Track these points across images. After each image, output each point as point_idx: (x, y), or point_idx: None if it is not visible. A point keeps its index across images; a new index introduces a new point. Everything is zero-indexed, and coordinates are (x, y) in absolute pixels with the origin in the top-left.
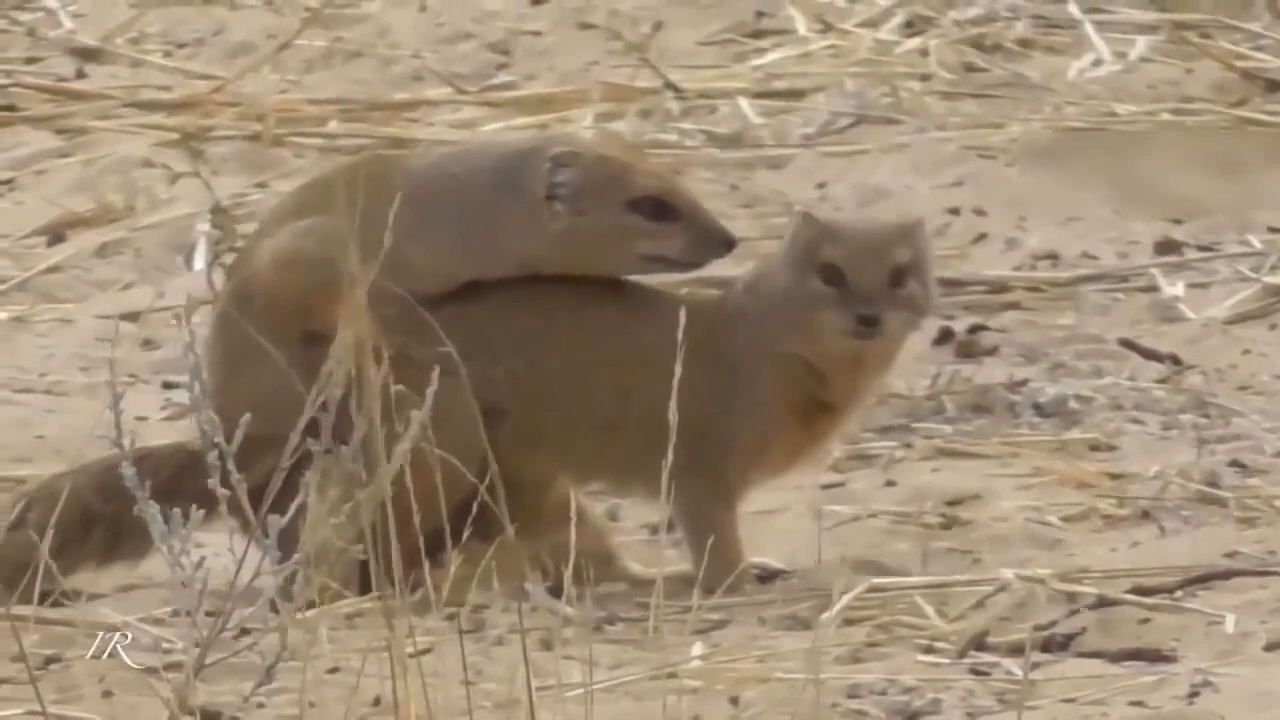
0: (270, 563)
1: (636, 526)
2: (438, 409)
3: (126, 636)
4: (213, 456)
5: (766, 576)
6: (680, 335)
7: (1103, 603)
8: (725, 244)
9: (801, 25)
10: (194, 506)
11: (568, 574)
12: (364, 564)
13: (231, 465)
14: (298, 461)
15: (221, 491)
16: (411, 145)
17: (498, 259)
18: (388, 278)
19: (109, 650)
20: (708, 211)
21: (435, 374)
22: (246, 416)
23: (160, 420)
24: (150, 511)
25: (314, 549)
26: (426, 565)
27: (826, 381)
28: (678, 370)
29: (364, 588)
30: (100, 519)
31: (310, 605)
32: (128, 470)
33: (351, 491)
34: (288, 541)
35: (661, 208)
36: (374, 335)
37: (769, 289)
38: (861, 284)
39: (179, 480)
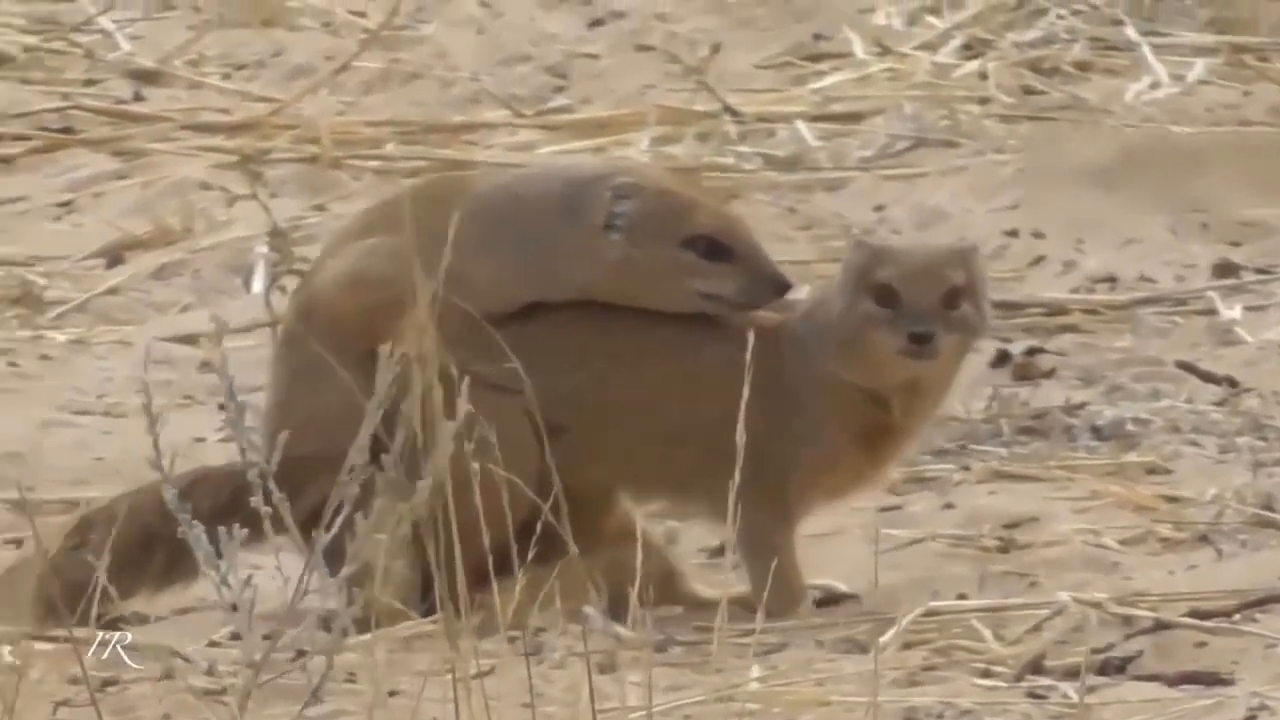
0: (320, 582)
1: (694, 549)
2: (499, 427)
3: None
4: (254, 475)
5: (830, 599)
6: (742, 359)
7: (1160, 626)
8: (779, 288)
9: (859, 48)
10: (238, 526)
11: (632, 596)
12: (425, 585)
13: (274, 484)
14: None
15: (265, 510)
16: (469, 167)
17: (556, 283)
18: (451, 296)
19: (166, 673)
20: (764, 254)
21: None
22: (284, 435)
23: (217, 441)
24: (194, 534)
25: (361, 566)
26: (490, 588)
27: (885, 406)
28: (745, 393)
29: (426, 609)
30: (159, 540)
31: (368, 626)
32: (170, 493)
33: (398, 505)
34: (341, 560)
35: (717, 248)
36: (439, 352)
37: (826, 314)
38: (915, 304)
39: (238, 500)
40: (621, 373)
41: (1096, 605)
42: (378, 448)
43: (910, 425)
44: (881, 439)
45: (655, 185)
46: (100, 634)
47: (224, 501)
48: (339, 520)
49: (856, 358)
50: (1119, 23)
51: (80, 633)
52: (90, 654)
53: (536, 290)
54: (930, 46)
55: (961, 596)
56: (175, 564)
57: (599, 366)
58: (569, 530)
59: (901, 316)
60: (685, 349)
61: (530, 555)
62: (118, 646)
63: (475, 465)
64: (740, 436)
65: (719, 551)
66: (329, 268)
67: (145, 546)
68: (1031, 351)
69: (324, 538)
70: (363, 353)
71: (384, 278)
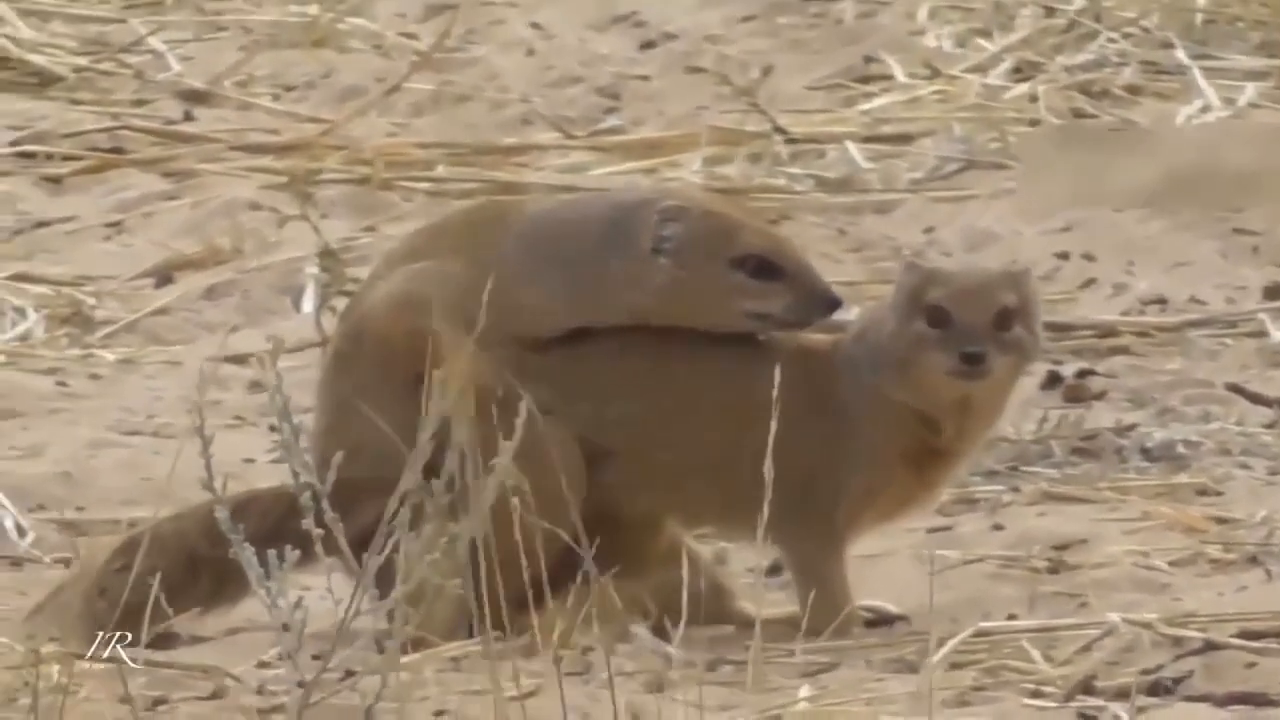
0: (370, 603)
1: (743, 570)
2: (540, 450)
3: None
4: (306, 497)
5: (880, 620)
6: (791, 383)
7: (1209, 646)
8: (829, 304)
9: (907, 71)
10: (289, 548)
11: (682, 617)
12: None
13: (326, 505)
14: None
15: (316, 532)
16: (520, 189)
17: (605, 308)
18: (498, 322)
19: (216, 693)
20: (813, 270)
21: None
22: (338, 457)
23: (267, 462)
24: (245, 555)
25: (411, 587)
26: (534, 610)
27: (936, 427)
28: (773, 423)
29: (470, 632)
30: (207, 562)
31: (415, 647)
32: (222, 514)
33: (447, 528)
34: (392, 582)
35: (766, 266)
36: (486, 376)
37: (877, 336)
38: (966, 324)
39: (286, 522)
40: (672, 399)
41: (1146, 626)
42: (427, 471)
43: (961, 447)
44: (932, 461)
45: (701, 207)
46: (148, 653)
47: (271, 524)
48: (390, 542)
49: (908, 378)
50: (1169, 46)
51: (129, 653)
52: (139, 674)
53: (584, 315)
54: (980, 69)
55: (1011, 617)
56: (220, 586)
57: (648, 392)
58: (590, 555)
59: (953, 337)
60: (736, 374)
61: (577, 578)
62: (167, 666)
63: (519, 494)
64: (768, 470)
65: (769, 571)
66: (376, 291)
67: (191, 569)
68: (1082, 373)
69: (376, 560)
70: (411, 376)
71: (431, 301)
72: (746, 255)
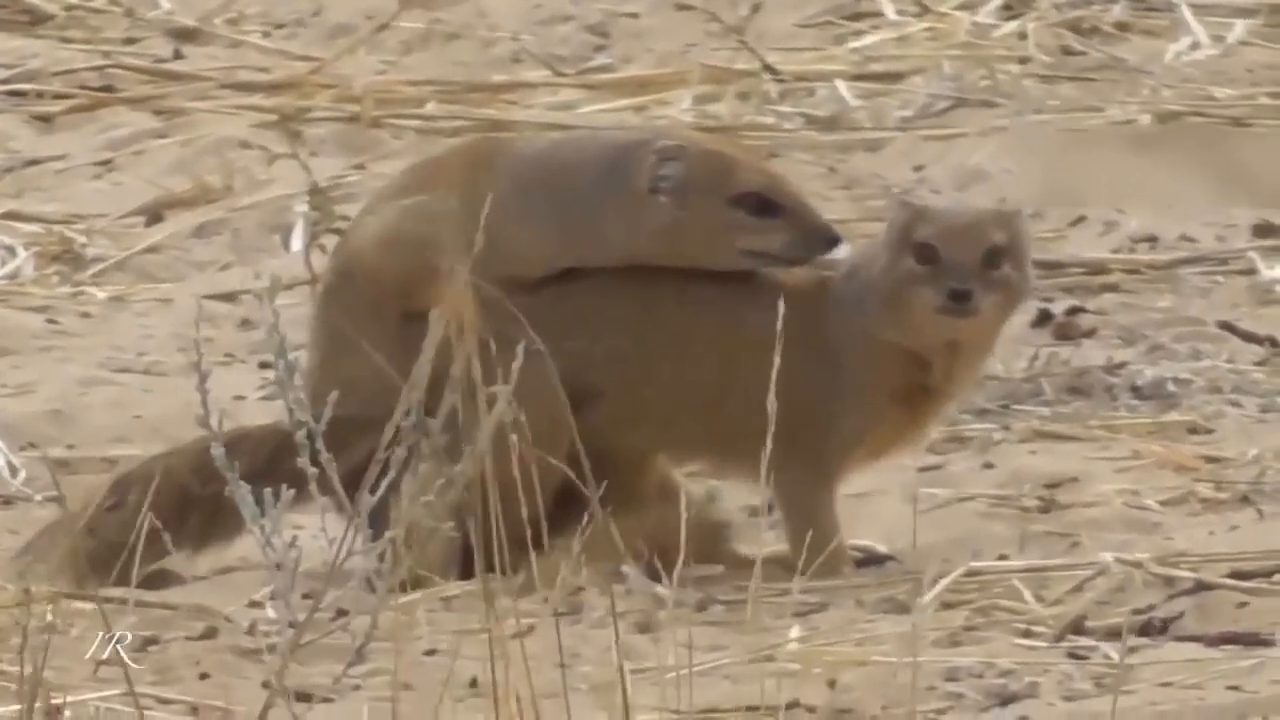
0: (363, 543)
1: (735, 508)
2: (526, 392)
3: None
4: (301, 435)
5: (870, 561)
6: (781, 320)
7: (1200, 587)
8: (829, 240)
9: (894, 9)
10: (284, 486)
11: (680, 556)
12: (466, 548)
13: (320, 444)
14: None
15: (311, 470)
16: (510, 127)
17: (599, 249)
18: (489, 260)
19: (207, 632)
20: (811, 207)
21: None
22: (334, 395)
23: (257, 400)
24: (241, 493)
25: (405, 527)
26: (532, 549)
27: (926, 366)
28: (776, 359)
29: (464, 572)
30: (197, 501)
31: (406, 587)
32: (217, 451)
33: (442, 469)
34: (385, 522)
35: (764, 204)
36: (472, 317)
37: (867, 274)
38: (955, 262)
39: (276, 461)
40: (661, 335)
41: (1138, 566)
42: (420, 409)
43: (950, 386)
44: (921, 399)
45: (699, 146)
46: (138, 593)
47: (261, 462)
48: (384, 483)
49: (897, 315)
50: None
51: (118, 592)
52: (130, 614)
53: (577, 255)
54: (970, 6)
55: (1002, 557)
56: (211, 526)
57: (637, 330)
58: (594, 493)
59: (941, 274)
60: (724, 311)
61: (569, 518)
62: (158, 606)
63: (518, 430)
64: (771, 405)
65: (760, 510)
66: (366, 227)
67: (181, 507)
68: (1072, 311)
69: (369, 499)
70: (401, 313)
71: (421, 238)
72: (745, 193)
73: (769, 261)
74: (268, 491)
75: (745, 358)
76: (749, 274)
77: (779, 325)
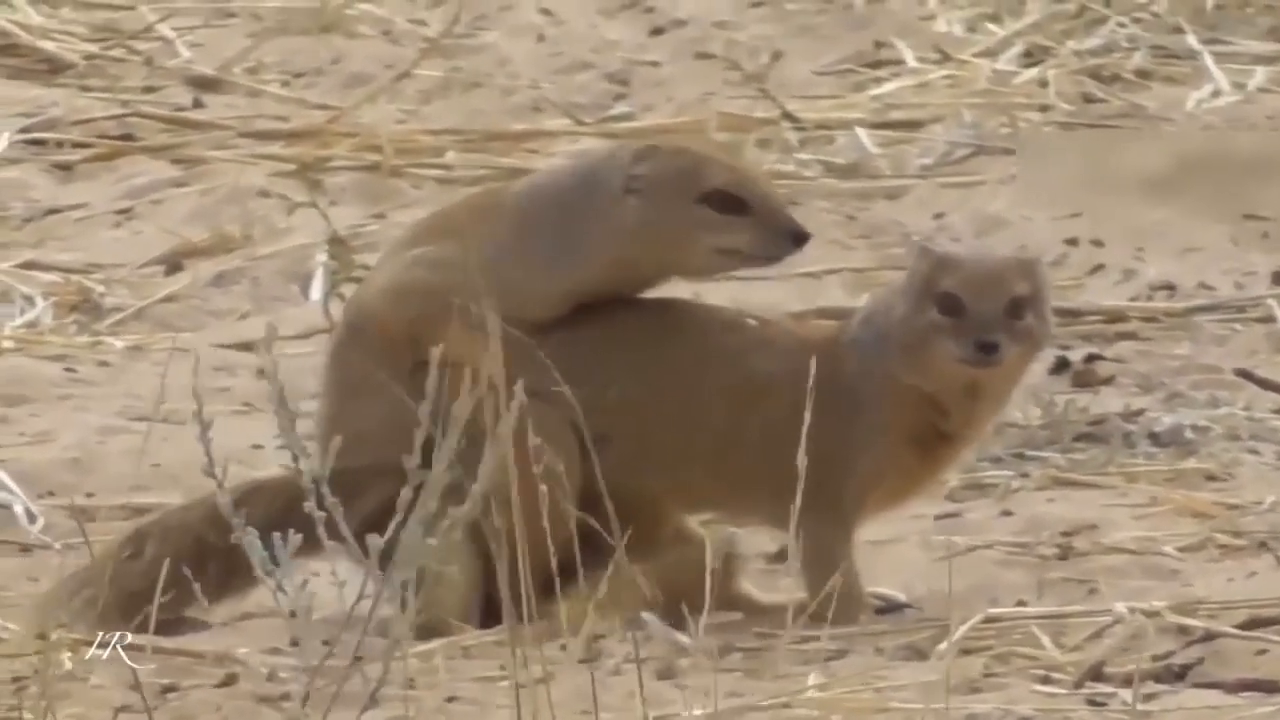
0: (374, 589)
1: (752, 554)
2: (543, 437)
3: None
4: (307, 481)
5: (887, 608)
6: (797, 367)
7: (1218, 635)
8: (795, 237)
9: (914, 56)
10: (292, 531)
11: (704, 603)
12: (487, 597)
13: (327, 490)
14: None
15: (318, 515)
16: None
17: (586, 264)
18: (494, 304)
19: (226, 679)
20: (781, 204)
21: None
22: (336, 441)
23: (276, 448)
24: (249, 540)
25: (412, 572)
26: (549, 596)
27: (945, 412)
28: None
29: (482, 621)
30: (214, 552)
31: (427, 635)
32: (224, 500)
33: (447, 510)
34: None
35: (731, 201)
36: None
37: (886, 320)
38: (980, 312)
39: (290, 510)
40: (672, 383)
41: (1155, 614)
42: (429, 454)
43: (968, 432)
44: (939, 444)
45: (669, 146)
46: (158, 640)
47: (277, 512)
48: (396, 529)
49: (919, 364)
50: (1179, 31)
51: (137, 638)
52: (149, 661)
53: (570, 277)
54: (990, 54)
55: (1020, 603)
56: (228, 576)
57: (649, 377)
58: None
59: (966, 326)
60: (736, 359)
61: (584, 564)
62: (177, 653)
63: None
64: (802, 460)
65: (777, 557)
66: (376, 279)
67: (198, 558)
68: (1090, 359)
69: (378, 545)
70: (412, 362)
71: (429, 287)
72: (712, 190)
73: (741, 261)
74: (277, 538)
75: (755, 404)
76: (761, 321)
77: (790, 370)
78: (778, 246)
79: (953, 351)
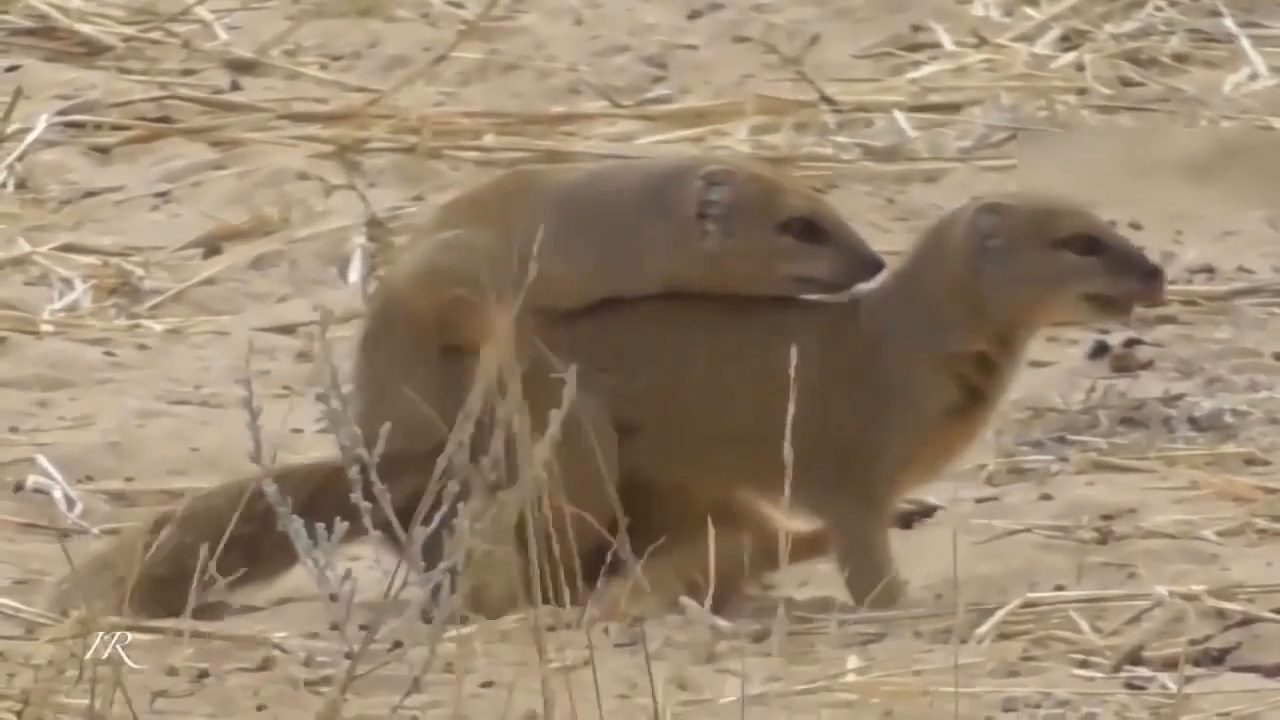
0: (416, 575)
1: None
2: (574, 424)
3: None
4: (354, 470)
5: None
6: (826, 350)
7: (1258, 618)
8: (873, 267)
9: (952, 40)
10: (338, 519)
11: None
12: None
13: (375, 477)
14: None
15: (364, 505)
16: (567, 158)
17: (641, 277)
18: (526, 291)
19: (264, 664)
20: (856, 234)
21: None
22: (386, 427)
23: (315, 433)
24: (294, 526)
25: (459, 560)
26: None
27: (993, 370)
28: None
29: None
30: (239, 540)
31: (465, 619)
32: (269, 487)
33: (496, 497)
34: (436, 555)
35: (811, 229)
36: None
37: (918, 291)
38: (1119, 244)
39: (318, 499)
40: (699, 370)
41: (1194, 599)
42: (471, 446)
43: (1003, 387)
44: (971, 407)
45: (744, 171)
46: (195, 624)
47: (305, 498)
48: (437, 516)
49: (1048, 310)
50: (1217, 14)
51: (175, 623)
52: (186, 645)
53: (615, 285)
54: (1028, 37)
55: (1059, 588)
56: (254, 563)
57: (676, 364)
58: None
59: (1112, 260)
60: (764, 345)
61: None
62: (214, 638)
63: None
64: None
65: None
66: (402, 265)
67: (224, 546)
68: (1130, 343)
69: (422, 532)
70: (441, 348)
71: (456, 271)
72: (793, 218)
73: (814, 288)
74: (321, 525)
75: (782, 390)
76: (787, 305)
77: (810, 357)
78: (855, 274)
79: (1121, 289)
